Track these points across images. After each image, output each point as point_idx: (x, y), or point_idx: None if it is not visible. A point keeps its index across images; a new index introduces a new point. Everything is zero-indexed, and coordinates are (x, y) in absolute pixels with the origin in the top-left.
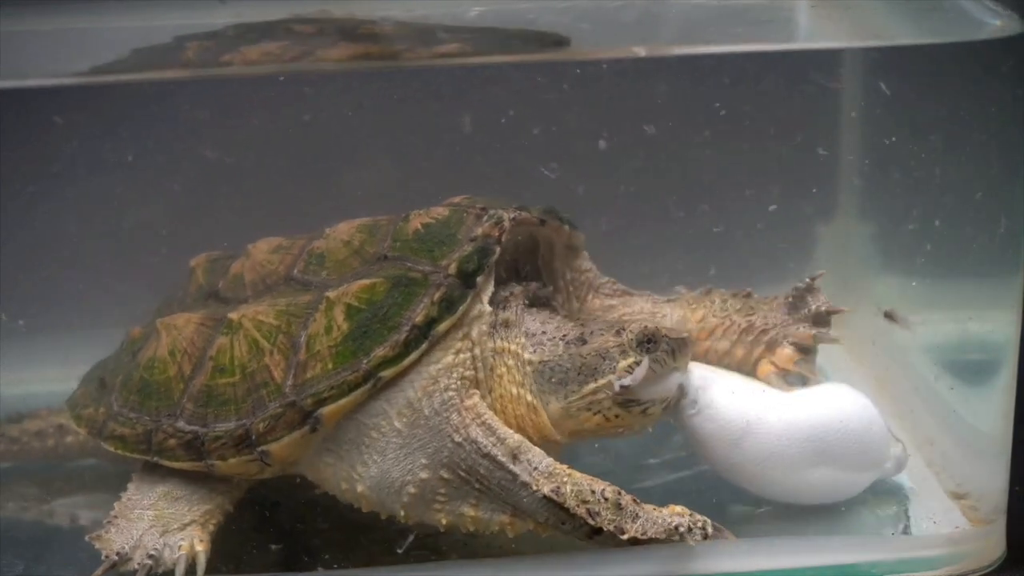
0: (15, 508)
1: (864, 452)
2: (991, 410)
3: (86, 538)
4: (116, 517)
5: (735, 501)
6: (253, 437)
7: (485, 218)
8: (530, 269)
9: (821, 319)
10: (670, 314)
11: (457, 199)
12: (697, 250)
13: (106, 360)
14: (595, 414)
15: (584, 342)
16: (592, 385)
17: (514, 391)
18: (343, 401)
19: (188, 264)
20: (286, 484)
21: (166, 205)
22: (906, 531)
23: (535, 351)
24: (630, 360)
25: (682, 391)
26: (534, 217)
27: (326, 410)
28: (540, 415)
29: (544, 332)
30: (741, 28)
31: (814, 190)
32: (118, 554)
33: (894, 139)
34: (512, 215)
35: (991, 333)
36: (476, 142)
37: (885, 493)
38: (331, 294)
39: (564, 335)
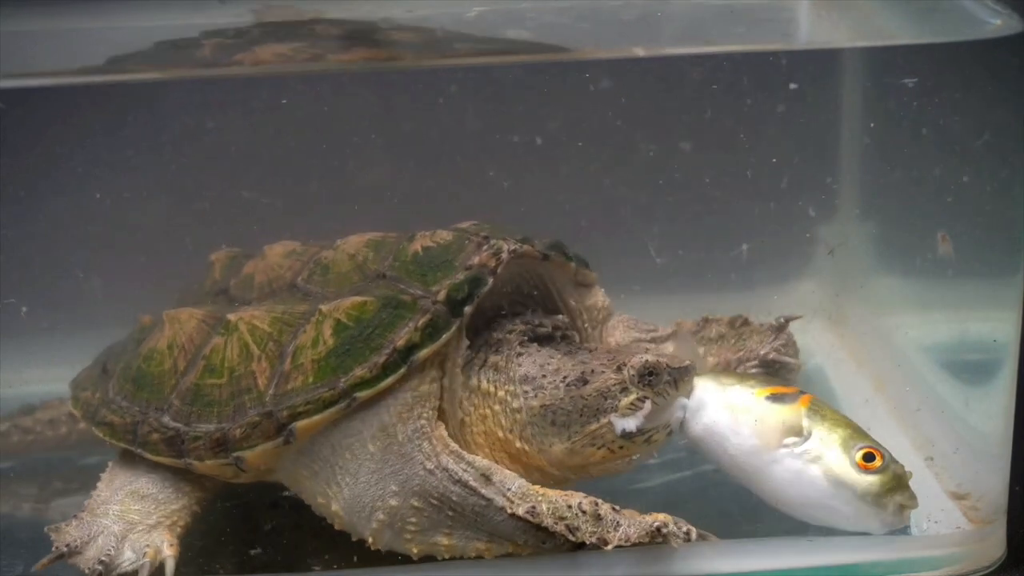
0: (15, 508)
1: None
2: (991, 410)
3: (45, 529)
4: (83, 513)
5: (735, 501)
6: (229, 442)
7: (485, 247)
8: (541, 300)
9: (768, 363)
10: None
11: (465, 224)
12: (697, 250)
13: (114, 345)
14: (599, 448)
15: (585, 382)
16: (594, 425)
17: (500, 435)
18: (316, 418)
19: (208, 258)
20: (270, 486)
21: (167, 206)
22: (906, 531)
23: (536, 395)
24: (632, 397)
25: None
26: (536, 252)
27: (300, 424)
28: (532, 457)
29: (544, 375)
30: (742, 28)
31: (813, 190)
32: (67, 546)
33: (894, 139)
34: (512, 247)
35: (991, 333)
36: (475, 145)
37: None
38: (324, 307)
39: (565, 377)
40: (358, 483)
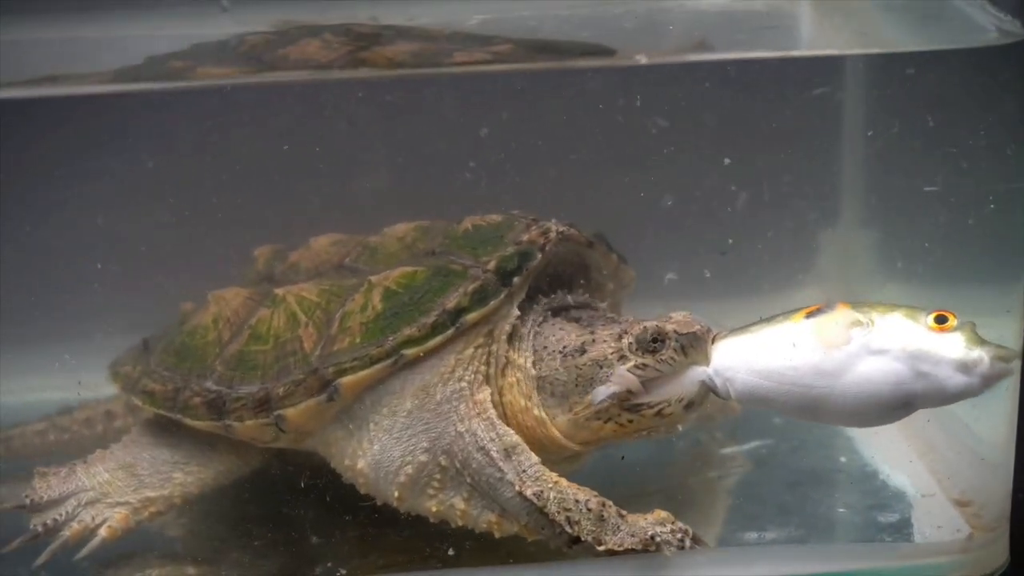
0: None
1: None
2: (994, 417)
3: (35, 469)
4: (80, 463)
5: (739, 507)
6: (272, 401)
7: (534, 227)
8: (582, 287)
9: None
10: None
11: (515, 212)
12: (701, 257)
13: (154, 334)
14: (606, 422)
15: (583, 352)
16: (591, 396)
17: (523, 403)
18: (362, 373)
19: (252, 253)
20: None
21: (168, 215)
22: (909, 539)
23: (537, 366)
24: (630, 365)
25: (706, 387)
26: (583, 237)
27: (345, 380)
28: (549, 428)
29: (546, 346)
30: (744, 35)
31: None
32: (31, 500)
33: (896, 146)
34: (560, 228)
35: (993, 340)
36: (477, 152)
37: (888, 500)
38: (373, 278)
39: (564, 347)
40: (391, 438)
